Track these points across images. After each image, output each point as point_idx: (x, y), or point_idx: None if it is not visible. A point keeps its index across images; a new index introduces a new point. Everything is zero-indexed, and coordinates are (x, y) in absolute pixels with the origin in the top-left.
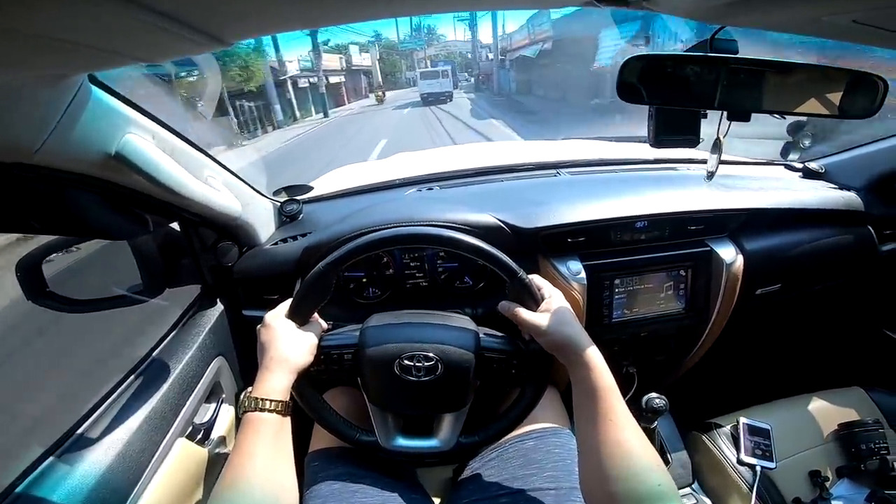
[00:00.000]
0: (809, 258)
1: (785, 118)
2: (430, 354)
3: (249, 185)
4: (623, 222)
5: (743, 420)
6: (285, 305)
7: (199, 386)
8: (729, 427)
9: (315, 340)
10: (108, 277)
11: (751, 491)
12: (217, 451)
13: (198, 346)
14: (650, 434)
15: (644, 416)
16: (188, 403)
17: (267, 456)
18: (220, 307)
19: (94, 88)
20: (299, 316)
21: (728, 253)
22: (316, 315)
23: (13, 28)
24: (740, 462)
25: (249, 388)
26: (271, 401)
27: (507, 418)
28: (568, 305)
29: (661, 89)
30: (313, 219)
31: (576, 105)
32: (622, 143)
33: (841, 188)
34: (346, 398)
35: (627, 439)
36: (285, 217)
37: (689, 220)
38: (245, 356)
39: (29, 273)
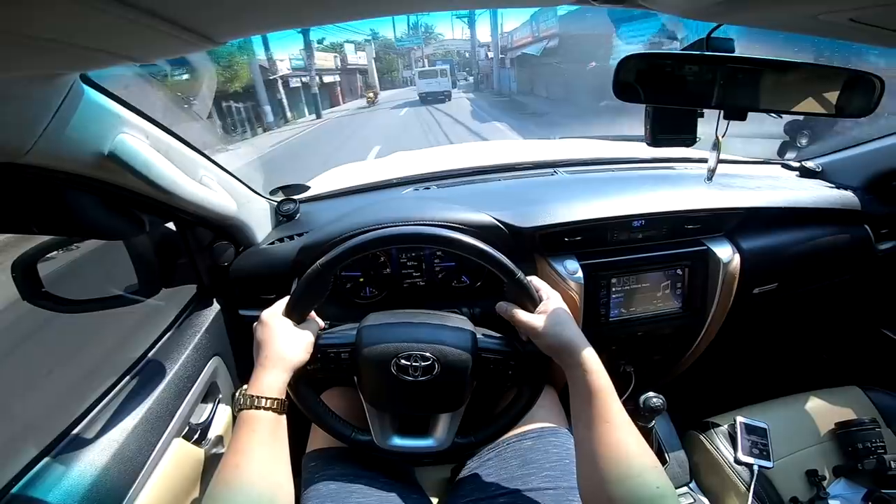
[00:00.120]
0: (806, 257)
1: (782, 117)
2: (427, 354)
3: (245, 185)
4: (620, 221)
5: (740, 419)
6: (282, 303)
7: (195, 386)
8: (726, 426)
9: (312, 339)
10: (103, 277)
11: (748, 490)
12: (214, 451)
13: (194, 346)
14: (648, 433)
15: (642, 415)
16: (184, 403)
17: (263, 454)
18: (216, 307)
19: (87, 88)
20: (296, 314)
21: (725, 252)
22: (313, 313)
23: (4, 28)
24: (737, 461)
25: (245, 386)
26: (267, 398)
27: (503, 419)
28: (565, 307)
29: (657, 88)
30: (310, 218)
31: (583, 106)
32: (619, 143)
33: (838, 187)
34: (343, 399)
35: (625, 441)
36: (282, 216)
37: (685, 220)
38: (242, 356)
39: (24, 273)
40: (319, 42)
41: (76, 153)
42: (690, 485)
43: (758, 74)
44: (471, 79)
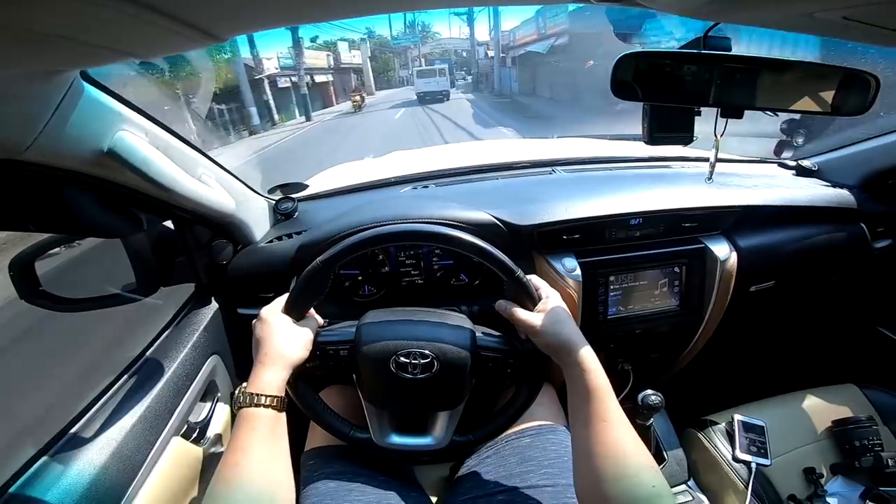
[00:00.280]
0: (803, 255)
1: (778, 115)
2: (427, 352)
3: (244, 183)
4: (618, 219)
5: (738, 417)
6: (281, 300)
7: (193, 384)
8: (724, 424)
9: (311, 336)
10: (101, 276)
11: (746, 488)
12: (212, 449)
13: (192, 345)
14: (646, 431)
15: (640, 413)
16: (183, 402)
17: (262, 451)
18: (214, 306)
19: (87, 85)
20: (296, 311)
21: (722, 250)
22: (312, 311)
23: (5, 24)
24: (735, 459)
25: (244, 384)
26: (267, 396)
27: (502, 417)
28: (564, 306)
29: (655, 87)
30: (308, 217)
31: (594, 109)
32: (616, 141)
33: (834, 186)
34: (341, 397)
35: (622, 440)
36: (280, 215)
37: (683, 218)
38: (240, 355)
39: (22, 272)
40: (312, 40)
41: (76, 150)
42: (689, 483)
43: (754, 73)
44: (469, 78)
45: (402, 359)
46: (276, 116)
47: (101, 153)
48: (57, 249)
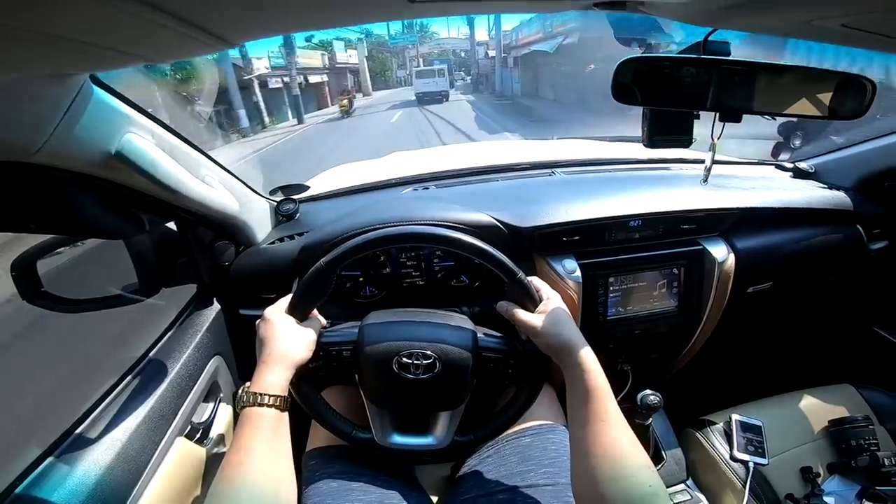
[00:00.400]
0: (800, 257)
1: (776, 119)
2: (429, 353)
3: (246, 185)
4: (617, 221)
5: (736, 417)
6: (285, 301)
7: (196, 385)
8: (722, 424)
9: (314, 336)
10: (103, 277)
11: (744, 487)
12: (215, 450)
13: (195, 346)
14: (645, 431)
15: (639, 412)
16: (186, 402)
17: (265, 451)
18: (216, 306)
19: (96, 88)
20: (299, 312)
21: (720, 251)
22: (315, 311)
23: (23, 26)
24: (733, 458)
25: (248, 384)
26: (270, 395)
27: (502, 417)
28: (565, 307)
29: (654, 91)
30: (310, 218)
31: (601, 112)
32: (615, 143)
33: (830, 188)
34: (342, 397)
35: (619, 440)
36: (282, 216)
37: (681, 220)
38: (242, 355)
39: (24, 273)
40: (307, 39)
41: (84, 152)
42: (687, 482)
43: (752, 77)
44: (468, 79)
45: (405, 359)
46: (266, 119)
47: (108, 155)
48: (61, 250)
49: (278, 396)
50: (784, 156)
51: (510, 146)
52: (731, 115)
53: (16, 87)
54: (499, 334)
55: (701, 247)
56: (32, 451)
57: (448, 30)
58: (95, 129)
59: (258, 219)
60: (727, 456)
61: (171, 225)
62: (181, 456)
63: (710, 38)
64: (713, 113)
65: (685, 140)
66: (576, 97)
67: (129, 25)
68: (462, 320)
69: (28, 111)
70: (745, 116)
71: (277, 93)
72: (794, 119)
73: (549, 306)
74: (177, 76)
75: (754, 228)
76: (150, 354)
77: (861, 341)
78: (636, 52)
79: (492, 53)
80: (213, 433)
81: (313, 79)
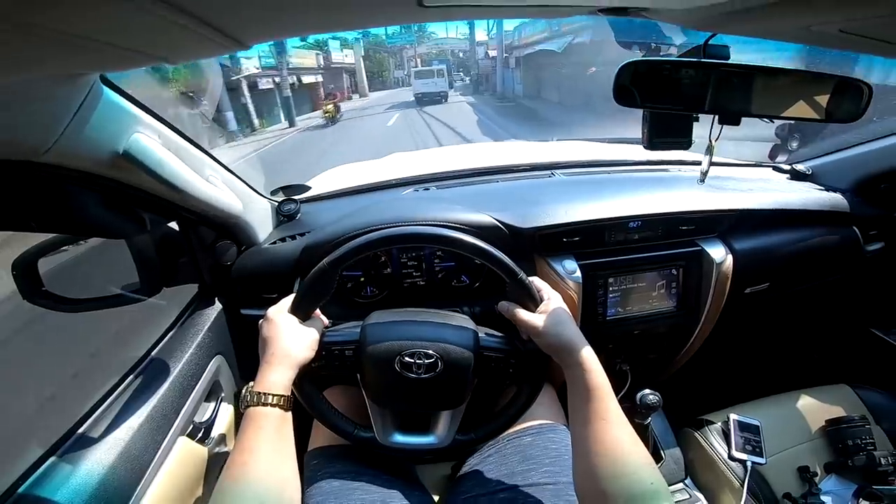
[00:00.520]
0: (797, 258)
1: (774, 121)
2: (431, 352)
3: (248, 185)
4: (617, 222)
5: (734, 416)
6: (287, 301)
7: (198, 385)
8: (720, 423)
9: (317, 336)
10: (104, 276)
11: (742, 486)
12: (217, 449)
13: (197, 345)
14: (644, 431)
15: (638, 412)
16: (188, 402)
17: (269, 450)
18: (218, 306)
19: (105, 88)
20: (301, 311)
21: (718, 252)
22: (318, 311)
23: (45, 25)
24: (731, 458)
25: (251, 383)
26: (274, 395)
27: (503, 416)
28: (566, 307)
29: (655, 93)
30: (311, 218)
31: (608, 115)
32: (615, 145)
33: (827, 189)
34: (344, 396)
35: (620, 438)
36: (283, 216)
37: (680, 221)
38: (244, 355)
39: (25, 272)
40: (302, 39)
41: (93, 152)
42: (686, 481)
43: (751, 80)
44: (468, 80)
45: (407, 359)
46: (255, 121)
47: (116, 155)
48: (63, 249)
49: (282, 396)
50: (781, 158)
51: (510, 147)
52: (729, 117)
53: (27, 86)
54: (500, 334)
55: (699, 248)
56: (35, 450)
57: (446, 30)
58: (104, 129)
59: (260, 219)
60: (725, 455)
61: (173, 224)
62: (183, 455)
63: (710, 42)
64: (712, 115)
65: (684, 142)
66: (581, 99)
67: (148, 26)
68: (463, 320)
69: (39, 111)
70: (743, 119)
71: (269, 94)
72: (792, 121)
73: (550, 306)
74: (176, 77)
75: (752, 230)
76: (152, 354)
77: (857, 342)
78: (637, 55)
79: (492, 53)
80: (215, 432)
81: (307, 79)
